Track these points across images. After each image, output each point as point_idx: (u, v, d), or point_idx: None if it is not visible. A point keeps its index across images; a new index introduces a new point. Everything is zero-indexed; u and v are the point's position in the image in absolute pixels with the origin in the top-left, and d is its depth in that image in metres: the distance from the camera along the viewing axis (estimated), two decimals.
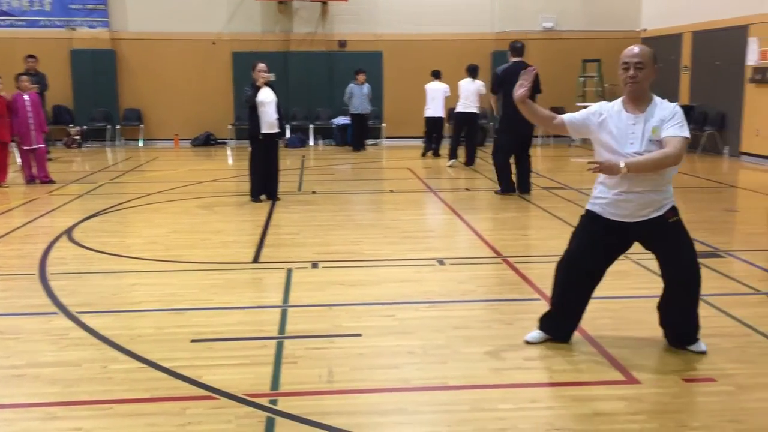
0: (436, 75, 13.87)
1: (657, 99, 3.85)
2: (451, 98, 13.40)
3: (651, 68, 3.78)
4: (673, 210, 3.87)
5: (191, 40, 16.20)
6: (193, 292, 5.27)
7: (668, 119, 3.73)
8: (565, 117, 4.01)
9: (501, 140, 9.56)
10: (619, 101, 3.91)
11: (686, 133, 3.73)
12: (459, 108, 12.47)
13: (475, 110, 12.42)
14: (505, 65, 9.47)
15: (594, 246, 3.98)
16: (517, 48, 9.42)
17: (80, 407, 3.42)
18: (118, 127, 16.25)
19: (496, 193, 9.54)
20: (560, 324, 4.16)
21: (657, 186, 3.80)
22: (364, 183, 11.19)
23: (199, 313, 4.79)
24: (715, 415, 3.29)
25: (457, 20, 16.62)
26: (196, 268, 5.96)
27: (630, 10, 16.75)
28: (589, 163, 3.75)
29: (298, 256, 6.29)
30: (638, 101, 3.81)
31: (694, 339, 4.03)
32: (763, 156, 12.66)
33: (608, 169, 3.69)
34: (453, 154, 12.58)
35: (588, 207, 4.02)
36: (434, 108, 13.71)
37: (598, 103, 4.01)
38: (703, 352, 3.97)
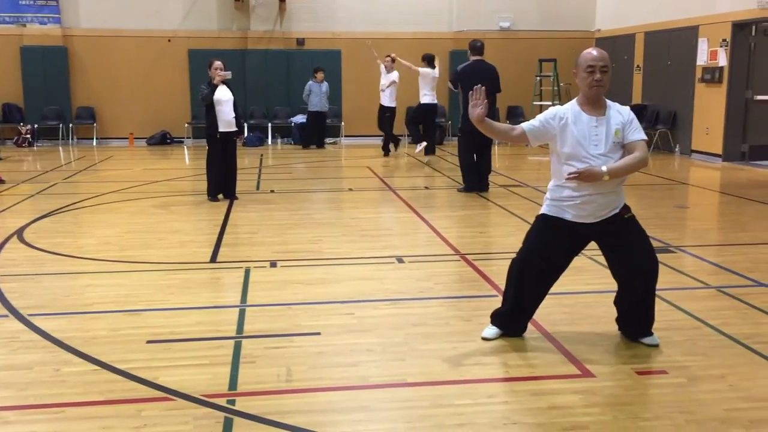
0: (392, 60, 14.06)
1: (609, 101, 3.95)
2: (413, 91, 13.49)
3: (610, 71, 3.91)
4: (626, 207, 3.99)
5: (146, 37, 15.93)
6: (148, 292, 5.19)
7: (629, 124, 3.89)
8: (525, 126, 4.01)
9: (464, 139, 9.62)
10: (573, 104, 3.95)
11: (645, 136, 3.94)
12: (426, 99, 12.69)
13: (435, 101, 12.79)
14: (466, 63, 9.55)
15: (551, 248, 4.03)
16: (477, 47, 9.51)
17: (33, 411, 3.34)
18: (70, 125, 15.91)
19: (459, 190, 9.60)
20: (514, 321, 4.22)
21: (617, 187, 3.92)
22: (323, 181, 11.16)
23: (155, 313, 4.73)
24: (667, 407, 3.37)
25: (416, 19, 16.69)
26: (152, 268, 5.87)
27: (584, 11, 17.02)
28: (569, 174, 3.79)
29: (257, 255, 6.25)
30: (598, 104, 3.90)
31: (649, 331, 4.13)
32: (712, 154, 13.00)
33: (589, 177, 3.76)
34: (419, 140, 12.80)
35: (545, 210, 4.04)
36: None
37: (553, 108, 4.02)
38: (656, 345, 4.07)
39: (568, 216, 3.94)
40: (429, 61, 12.98)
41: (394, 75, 13.83)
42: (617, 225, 3.94)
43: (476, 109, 3.88)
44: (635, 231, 4.00)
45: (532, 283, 4.11)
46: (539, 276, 4.09)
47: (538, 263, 4.05)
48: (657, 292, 4.95)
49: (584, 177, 3.77)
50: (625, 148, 3.88)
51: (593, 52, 3.89)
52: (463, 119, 9.58)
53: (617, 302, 4.21)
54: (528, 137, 3.99)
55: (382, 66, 13.96)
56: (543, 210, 4.07)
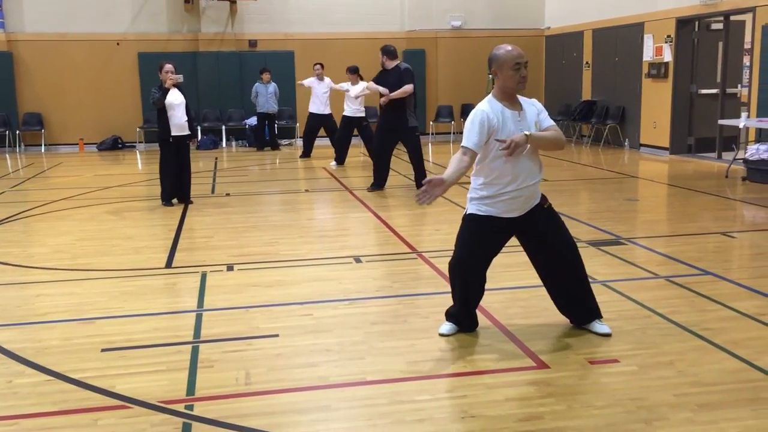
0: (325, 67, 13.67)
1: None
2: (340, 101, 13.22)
3: None
4: (544, 197, 4.16)
5: (94, 41, 15.65)
6: (103, 300, 5.11)
7: (541, 112, 4.06)
8: (471, 146, 3.89)
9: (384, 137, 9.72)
10: (493, 102, 3.96)
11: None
12: (355, 114, 12.42)
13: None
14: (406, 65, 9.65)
15: (484, 248, 4.11)
16: (394, 51, 9.59)
17: None
18: (17, 132, 15.52)
19: (369, 190, 9.70)
20: (466, 317, 4.30)
21: (538, 178, 4.04)
22: (279, 183, 11.12)
23: (109, 321, 4.66)
24: (619, 394, 3.46)
25: (368, 19, 16.73)
26: (106, 275, 5.78)
27: (534, 10, 17.27)
28: (501, 149, 3.81)
29: (213, 259, 6.21)
30: (515, 98, 4.01)
31: (598, 313, 4.23)
32: (660, 147, 13.33)
33: (516, 144, 3.77)
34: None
35: (473, 210, 4.07)
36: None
37: (477, 113, 3.92)
38: (608, 335, 4.17)
39: (496, 212, 4.00)
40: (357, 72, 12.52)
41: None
42: (538, 215, 4.08)
43: (427, 198, 3.76)
44: (555, 219, 4.16)
45: (474, 282, 4.19)
46: (478, 273, 4.17)
47: (476, 263, 4.13)
48: (607, 284, 5.11)
49: (513, 146, 3.75)
50: None
51: (512, 49, 3.95)
52: (383, 118, 9.61)
53: (552, 292, 4.30)
54: (477, 154, 3.92)
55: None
56: (470, 210, 4.10)
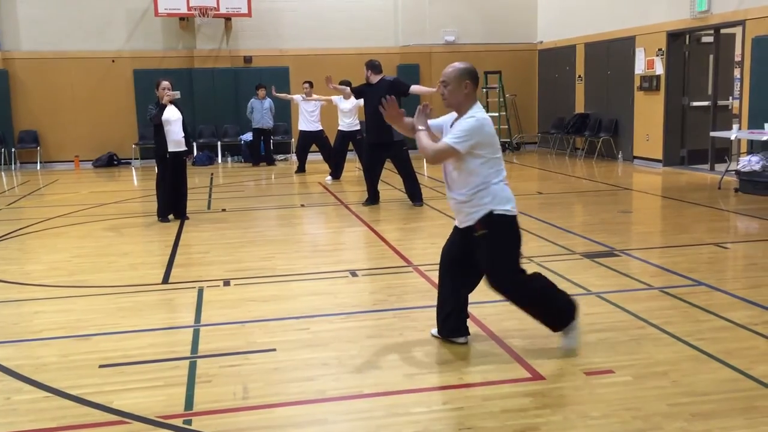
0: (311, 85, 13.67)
1: (471, 111, 3.98)
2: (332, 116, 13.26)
3: (456, 85, 3.97)
4: (484, 222, 3.97)
5: (89, 59, 15.73)
6: (99, 316, 5.13)
7: (455, 127, 4.00)
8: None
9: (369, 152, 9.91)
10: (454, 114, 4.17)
11: (454, 144, 3.86)
12: (350, 128, 12.44)
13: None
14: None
15: (453, 242, 4.27)
16: (378, 65, 9.70)
17: None
18: (13, 149, 15.55)
19: (364, 204, 9.79)
20: (445, 320, 4.33)
21: (463, 195, 4.02)
22: (275, 198, 11.15)
23: (107, 337, 4.68)
24: (614, 405, 3.49)
25: (362, 35, 16.85)
26: (103, 292, 5.80)
27: (527, 24, 17.42)
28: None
29: (209, 274, 6.23)
30: (459, 114, 4.08)
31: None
32: (653, 159, 13.42)
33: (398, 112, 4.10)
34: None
35: None
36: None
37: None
38: (572, 350, 4.17)
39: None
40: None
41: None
42: (471, 237, 4.10)
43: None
44: (483, 251, 4.05)
45: (444, 274, 4.30)
46: (447, 267, 4.27)
47: (445, 254, 4.29)
48: (602, 295, 5.17)
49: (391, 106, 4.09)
50: None
51: (448, 68, 4.07)
52: (369, 133, 9.73)
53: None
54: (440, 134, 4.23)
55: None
56: None
